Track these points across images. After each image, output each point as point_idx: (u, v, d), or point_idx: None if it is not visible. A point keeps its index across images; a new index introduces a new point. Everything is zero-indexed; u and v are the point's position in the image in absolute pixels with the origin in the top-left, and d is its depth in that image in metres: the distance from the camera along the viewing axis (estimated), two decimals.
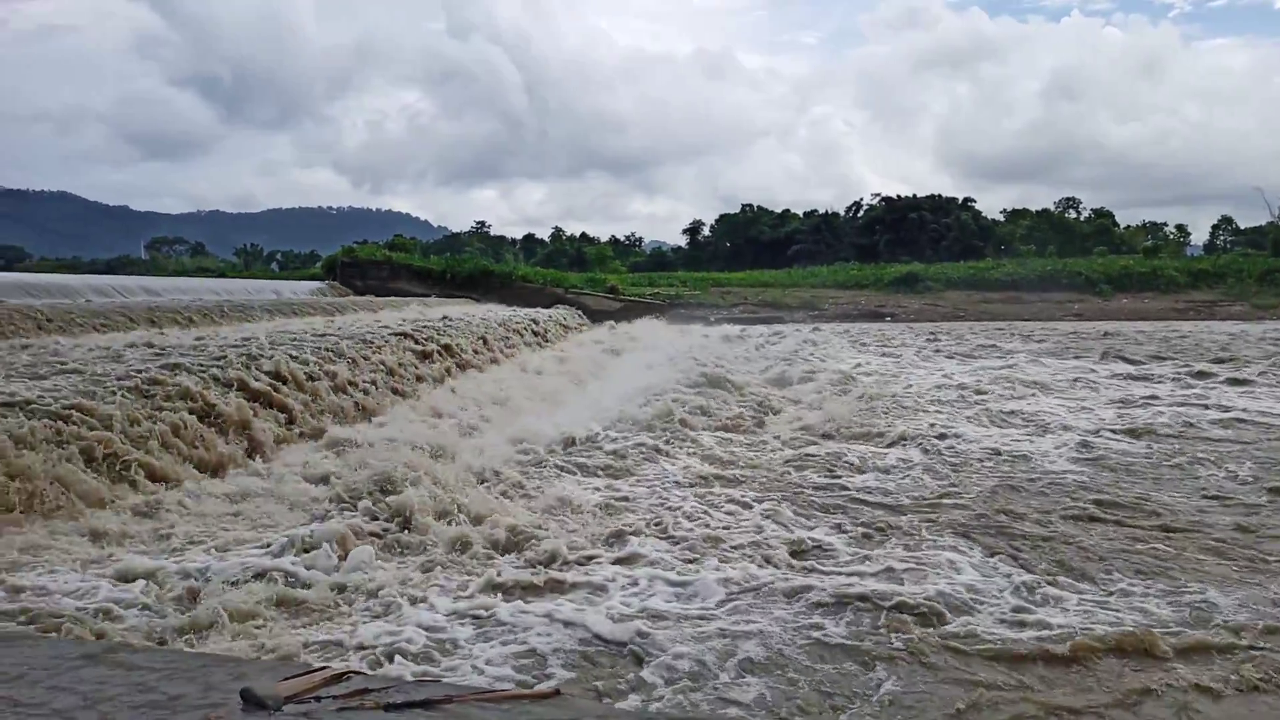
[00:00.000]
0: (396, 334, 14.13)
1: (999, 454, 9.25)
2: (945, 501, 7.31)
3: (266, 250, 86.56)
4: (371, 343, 12.78)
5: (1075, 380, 15.63)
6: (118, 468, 6.85)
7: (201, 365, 9.20)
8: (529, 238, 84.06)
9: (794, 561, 5.73)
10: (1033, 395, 13.82)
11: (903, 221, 67.89)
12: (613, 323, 32.89)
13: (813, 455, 9.22)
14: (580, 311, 34.71)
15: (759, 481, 8.11)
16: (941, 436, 10.10)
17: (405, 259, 40.94)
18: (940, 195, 71.50)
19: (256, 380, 9.36)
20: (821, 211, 76.91)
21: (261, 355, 10.25)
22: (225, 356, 9.87)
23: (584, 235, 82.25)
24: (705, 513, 6.87)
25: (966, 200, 72.60)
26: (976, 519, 6.71)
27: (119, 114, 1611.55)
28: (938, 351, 22.93)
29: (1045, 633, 4.53)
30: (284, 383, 9.76)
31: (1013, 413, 12.03)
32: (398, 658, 4.15)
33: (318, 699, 1.78)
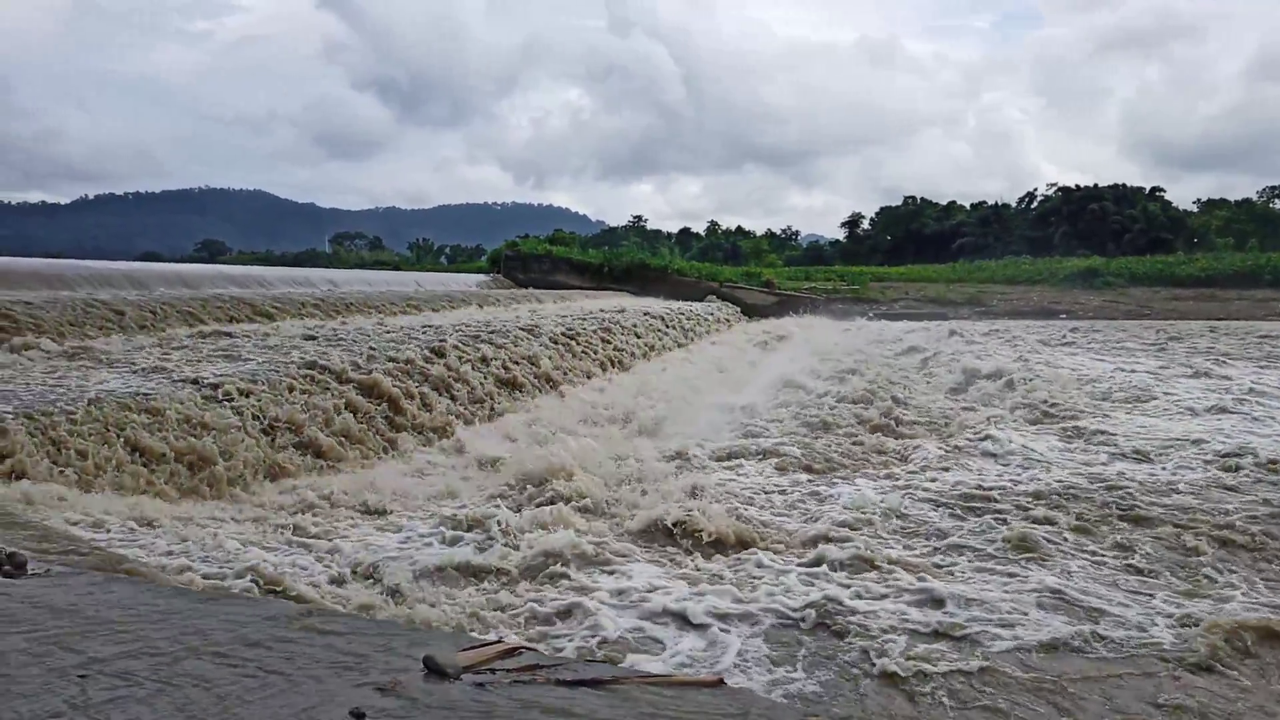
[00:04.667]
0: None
1: None
2: None
3: (436, 244, 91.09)
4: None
5: None
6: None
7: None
8: (684, 231, 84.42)
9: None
10: None
11: (1081, 213, 63.75)
12: (768, 318, 32.53)
13: None
14: (735, 306, 34.52)
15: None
16: None
17: (565, 252, 41.91)
18: (1124, 185, 66.80)
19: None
20: (990, 203, 73.52)
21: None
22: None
23: (739, 229, 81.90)
24: None
25: (1154, 190, 67.45)
26: None
27: (307, 116, 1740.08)
28: None
29: None
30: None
31: None
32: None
33: (493, 670, 1.84)
